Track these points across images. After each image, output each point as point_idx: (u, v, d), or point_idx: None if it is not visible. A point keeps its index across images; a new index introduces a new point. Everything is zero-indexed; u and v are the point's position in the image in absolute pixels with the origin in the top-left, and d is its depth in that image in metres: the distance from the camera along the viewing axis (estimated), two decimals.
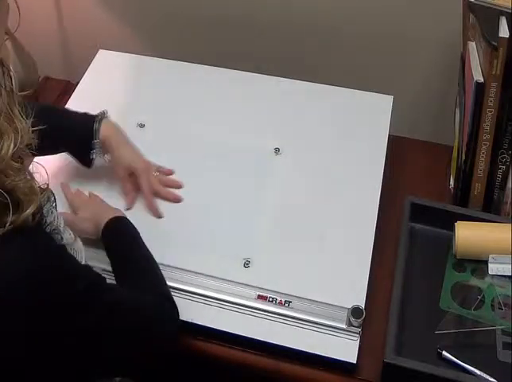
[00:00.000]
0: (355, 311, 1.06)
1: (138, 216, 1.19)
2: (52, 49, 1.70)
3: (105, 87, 1.42)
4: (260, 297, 1.09)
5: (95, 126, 1.17)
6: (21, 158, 0.79)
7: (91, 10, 1.58)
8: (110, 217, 1.11)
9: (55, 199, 0.91)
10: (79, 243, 0.96)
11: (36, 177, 0.84)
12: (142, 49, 1.55)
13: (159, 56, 1.47)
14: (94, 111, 1.36)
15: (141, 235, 1.16)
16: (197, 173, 1.27)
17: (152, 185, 1.21)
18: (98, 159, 1.22)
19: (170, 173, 1.26)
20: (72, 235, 0.93)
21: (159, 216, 1.20)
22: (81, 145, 1.19)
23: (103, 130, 1.18)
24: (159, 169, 1.24)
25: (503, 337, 1.07)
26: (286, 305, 1.09)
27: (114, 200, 1.21)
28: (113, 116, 1.36)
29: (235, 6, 1.48)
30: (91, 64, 1.46)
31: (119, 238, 1.10)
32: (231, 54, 1.52)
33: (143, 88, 1.42)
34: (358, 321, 1.05)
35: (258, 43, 1.51)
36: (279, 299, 1.09)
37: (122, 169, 1.20)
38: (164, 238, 1.17)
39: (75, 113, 1.23)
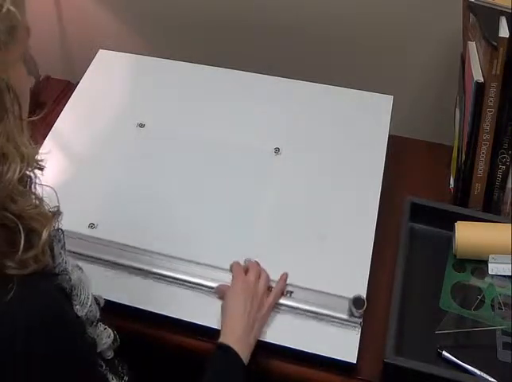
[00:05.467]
0: (357, 301, 1.06)
1: (137, 216, 1.20)
2: (52, 49, 1.70)
3: (105, 87, 1.42)
4: None
5: None
6: (27, 183, 0.78)
7: (91, 10, 1.58)
8: (226, 342, 1.01)
9: (64, 240, 0.89)
10: (86, 278, 0.94)
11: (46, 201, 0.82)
12: (142, 49, 1.55)
13: (159, 56, 1.47)
14: (93, 111, 1.36)
15: (140, 234, 1.17)
16: (197, 173, 1.27)
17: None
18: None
19: None
20: (81, 274, 0.91)
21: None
22: None
23: None
24: None
25: (503, 337, 1.07)
26: (288, 295, 1.09)
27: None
28: (113, 116, 1.37)
29: (235, 7, 1.48)
30: (91, 64, 1.46)
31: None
32: (231, 54, 1.52)
33: (143, 88, 1.42)
34: (360, 311, 1.06)
35: (258, 43, 1.51)
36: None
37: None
38: (164, 238, 1.17)
39: None
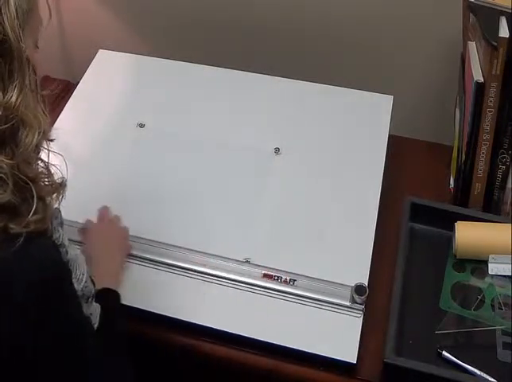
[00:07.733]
0: (359, 288, 1.08)
1: (137, 216, 1.20)
2: (52, 49, 1.70)
3: (105, 87, 1.42)
4: (266, 276, 1.11)
5: None
6: (40, 152, 0.84)
7: (91, 10, 1.58)
8: (105, 287, 1.05)
9: (61, 219, 0.91)
10: (82, 256, 0.96)
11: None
12: (142, 49, 1.55)
13: (159, 56, 1.47)
14: (93, 111, 1.36)
15: (140, 233, 1.17)
16: (197, 173, 1.27)
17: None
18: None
19: None
20: (77, 252, 0.93)
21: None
22: None
23: None
24: None
25: (503, 337, 1.07)
26: (291, 283, 1.11)
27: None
28: (113, 116, 1.37)
29: (235, 7, 1.48)
30: (91, 64, 1.46)
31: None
32: (231, 54, 1.52)
33: (143, 88, 1.42)
34: (362, 298, 1.07)
35: (258, 43, 1.51)
36: (284, 278, 1.11)
37: None
38: (164, 238, 1.17)
39: None
